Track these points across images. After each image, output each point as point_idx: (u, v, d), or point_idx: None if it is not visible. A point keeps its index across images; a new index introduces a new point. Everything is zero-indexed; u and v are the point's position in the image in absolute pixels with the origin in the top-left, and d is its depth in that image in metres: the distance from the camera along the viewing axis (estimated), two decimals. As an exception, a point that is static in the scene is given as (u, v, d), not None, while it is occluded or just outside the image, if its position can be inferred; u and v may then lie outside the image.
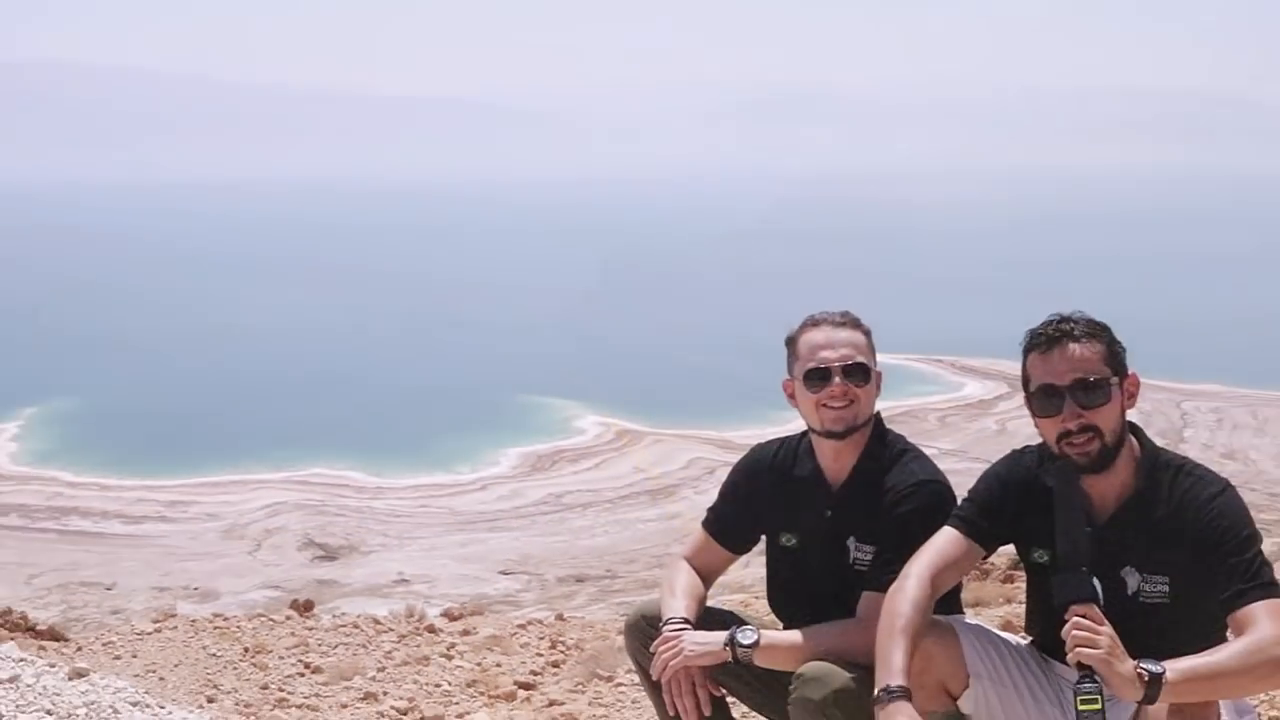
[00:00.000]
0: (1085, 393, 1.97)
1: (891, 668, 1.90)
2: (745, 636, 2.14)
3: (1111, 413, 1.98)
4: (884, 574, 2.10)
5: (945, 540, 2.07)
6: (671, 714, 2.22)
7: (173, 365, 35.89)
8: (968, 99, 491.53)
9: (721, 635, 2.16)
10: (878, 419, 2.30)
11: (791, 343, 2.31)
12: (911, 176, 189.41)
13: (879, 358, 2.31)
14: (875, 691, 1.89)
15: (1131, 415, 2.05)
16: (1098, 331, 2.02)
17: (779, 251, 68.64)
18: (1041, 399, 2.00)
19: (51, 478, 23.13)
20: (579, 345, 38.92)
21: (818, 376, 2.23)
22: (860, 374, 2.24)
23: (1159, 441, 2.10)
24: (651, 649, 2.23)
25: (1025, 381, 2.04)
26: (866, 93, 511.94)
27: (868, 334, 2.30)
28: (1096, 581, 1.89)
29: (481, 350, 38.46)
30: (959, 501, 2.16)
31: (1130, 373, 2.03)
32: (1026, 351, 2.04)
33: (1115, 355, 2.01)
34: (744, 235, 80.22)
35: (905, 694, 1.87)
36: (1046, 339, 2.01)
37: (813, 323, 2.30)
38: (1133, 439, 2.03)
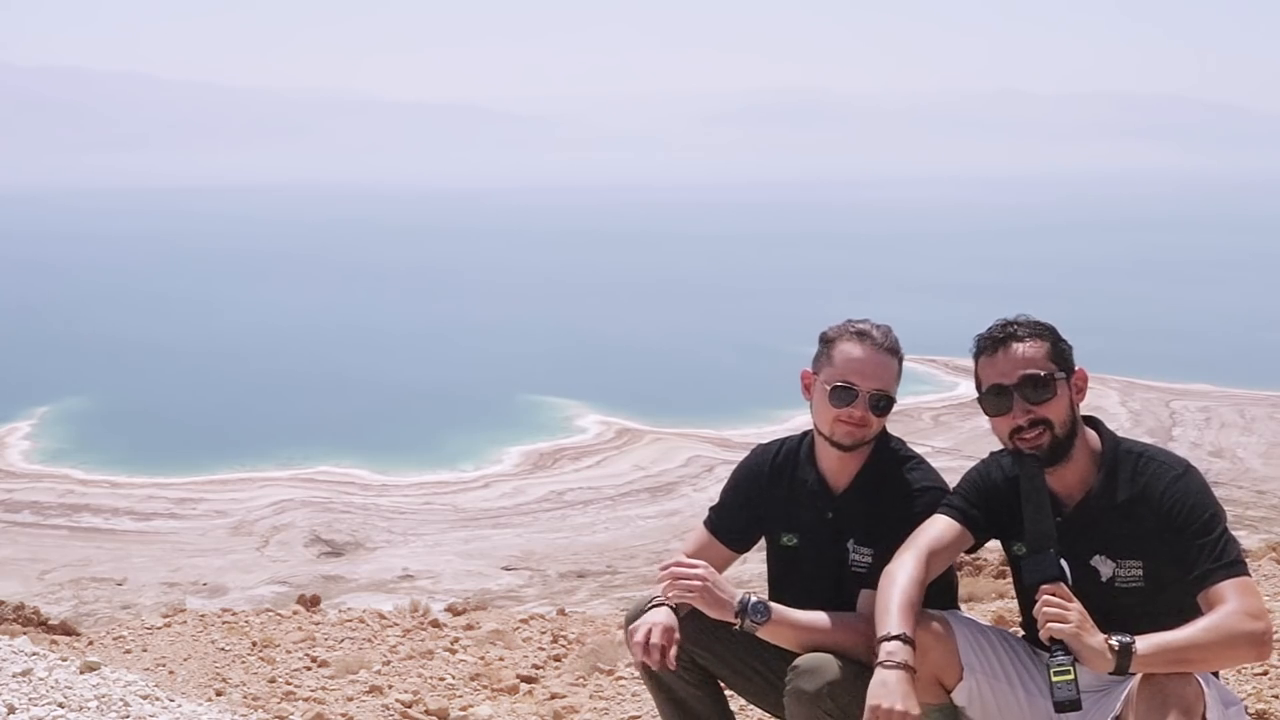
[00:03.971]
0: (1033, 389, 2.04)
1: (891, 617, 1.95)
2: (758, 609, 2.13)
3: (1059, 406, 2.05)
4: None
5: (936, 525, 2.12)
6: (640, 657, 2.18)
7: (181, 365, 35.99)
8: (961, 104, 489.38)
9: (737, 595, 2.14)
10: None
11: (828, 343, 2.28)
12: (905, 180, 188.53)
13: None
14: (876, 639, 1.94)
15: (1122, 413, 2.12)
16: (1041, 331, 2.08)
17: (776, 253, 68.44)
18: (992, 398, 2.08)
19: (63, 475, 23.19)
20: (580, 345, 38.92)
21: (844, 395, 2.22)
22: (884, 407, 2.24)
23: (1149, 439, 2.16)
24: (669, 563, 2.16)
25: (978, 384, 2.12)
26: (861, 98, 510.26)
27: (901, 359, 2.28)
28: (1064, 562, 1.96)
29: (484, 350, 38.49)
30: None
31: (1078, 369, 2.09)
32: (976, 356, 2.11)
33: (1060, 352, 2.07)
34: (741, 237, 79.99)
35: (905, 641, 1.92)
36: (992, 342, 2.08)
37: (858, 334, 2.25)
38: (1091, 431, 2.09)
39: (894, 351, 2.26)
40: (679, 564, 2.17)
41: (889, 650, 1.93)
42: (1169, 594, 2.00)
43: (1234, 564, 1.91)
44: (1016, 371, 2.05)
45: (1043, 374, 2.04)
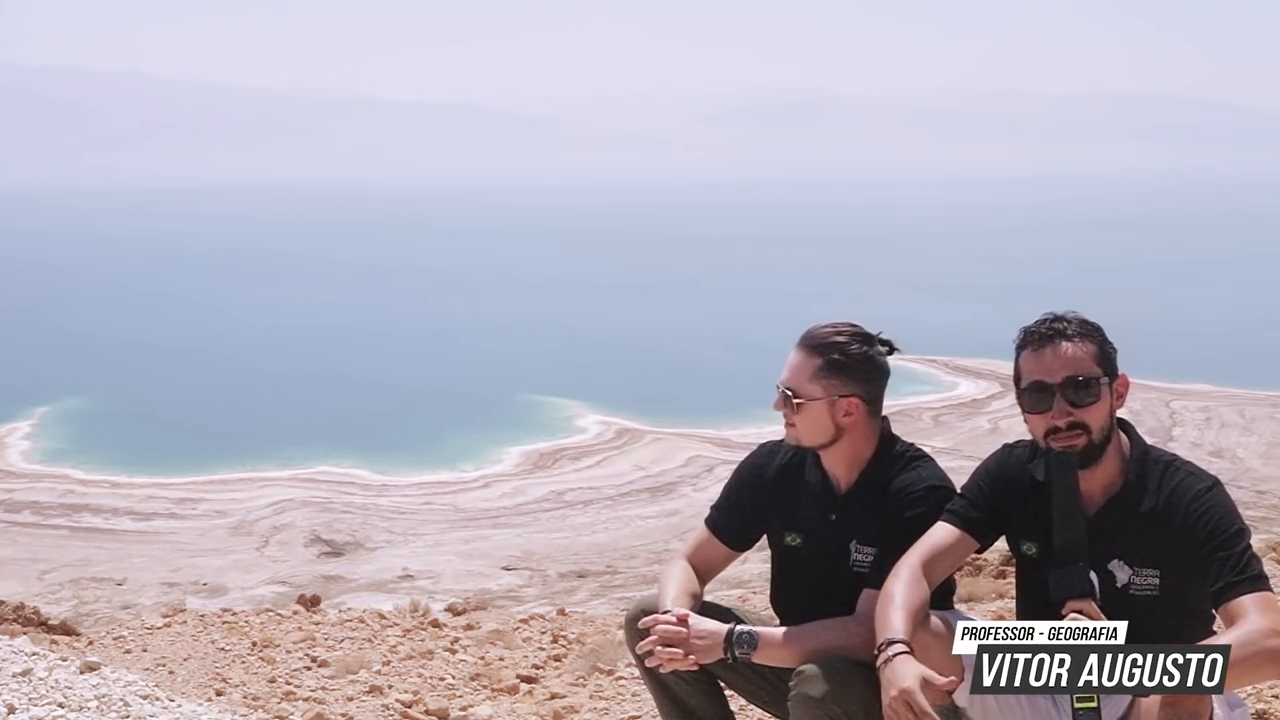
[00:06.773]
0: (1075, 391, 2.00)
1: (890, 626, 1.93)
2: (743, 640, 2.12)
3: (1100, 412, 2.01)
4: (883, 573, 2.11)
5: (936, 533, 2.10)
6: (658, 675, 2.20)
7: (182, 365, 36.03)
8: (961, 104, 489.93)
9: (722, 632, 2.14)
10: (885, 425, 2.29)
11: None
12: (905, 180, 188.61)
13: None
14: (876, 648, 1.91)
15: (1121, 413, 2.09)
16: (1090, 331, 2.04)
17: (777, 253, 68.48)
18: (1033, 395, 2.03)
19: (63, 475, 23.21)
20: (580, 345, 38.96)
21: (777, 391, 2.29)
22: (788, 402, 2.24)
23: (1149, 439, 2.13)
24: (648, 641, 2.18)
25: (1017, 378, 2.08)
26: (862, 98, 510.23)
27: (829, 359, 2.21)
28: (1094, 576, 1.92)
29: (484, 350, 38.53)
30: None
31: (1120, 374, 2.05)
32: (1019, 349, 2.07)
33: (1106, 356, 2.03)
34: (742, 237, 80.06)
35: (906, 646, 1.88)
36: (1040, 337, 2.04)
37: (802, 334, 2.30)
38: (1122, 435, 2.06)
39: (815, 348, 2.22)
40: (654, 629, 2.14)
41: (885, 654, 1.90)
42: (1184, 606, 1.98)
43: (1256, 579, 1.89)
44: (1061, 371, 2.01)
45: (1087, 377, 2.00)
